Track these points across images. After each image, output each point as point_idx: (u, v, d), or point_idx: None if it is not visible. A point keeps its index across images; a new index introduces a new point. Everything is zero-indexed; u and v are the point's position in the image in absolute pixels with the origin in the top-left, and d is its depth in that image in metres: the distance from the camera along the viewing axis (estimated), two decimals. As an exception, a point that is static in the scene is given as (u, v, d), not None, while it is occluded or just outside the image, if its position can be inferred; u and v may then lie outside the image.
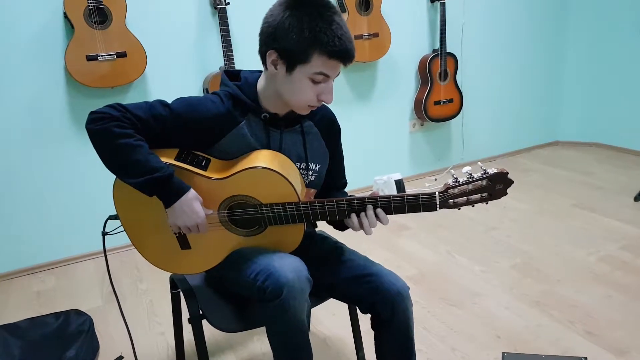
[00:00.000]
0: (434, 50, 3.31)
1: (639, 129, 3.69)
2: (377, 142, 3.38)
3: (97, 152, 1.18)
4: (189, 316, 1.36)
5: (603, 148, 3.95)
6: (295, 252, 1.28)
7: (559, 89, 4.02)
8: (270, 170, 1.20)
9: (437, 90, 3.31)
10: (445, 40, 3.20)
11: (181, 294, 1.47)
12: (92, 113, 1.17)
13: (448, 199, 1.18)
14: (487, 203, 1.20)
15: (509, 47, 3.69)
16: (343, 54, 1.16)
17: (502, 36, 3.64)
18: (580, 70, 3.93)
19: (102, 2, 2.32)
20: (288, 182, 1.21)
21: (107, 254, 1.36)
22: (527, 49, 3.77)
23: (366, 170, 3.32)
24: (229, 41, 2.58)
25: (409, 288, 1.30)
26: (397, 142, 3.46)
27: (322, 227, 1.55)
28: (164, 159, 1.20)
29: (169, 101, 1.24)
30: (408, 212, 1.21)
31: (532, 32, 3.75)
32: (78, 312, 2.03)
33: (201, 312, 1.37)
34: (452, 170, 1.21)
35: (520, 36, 3.71)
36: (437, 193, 1.18)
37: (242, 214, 1.26)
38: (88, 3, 2.30)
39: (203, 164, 1.24)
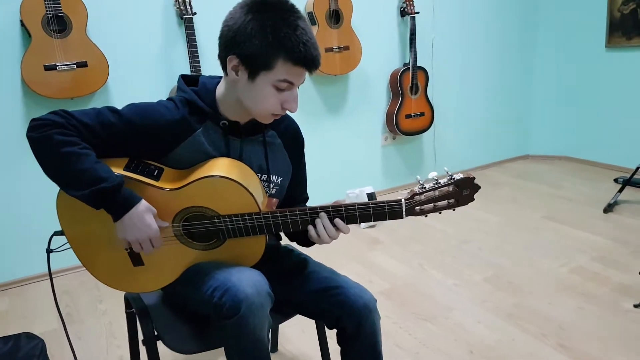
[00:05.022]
0: (404, 64, 3.32)
1: (607, 142, 3.77)
2: (349, 156, 3.34)
3: (38, 162, 1.09)
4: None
5: (572, 161, 4.01)
6: (257, 266, 1.21)
7: (528, 103, 4.08)
8: (227, 179, 1.13)
9: (409, 103, 3.30)
10: (415, 54, 3.21)
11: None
12: (33, 120, 1.09)
13: (414, 205, 1.14)
14: (454, 209, 1.16)
15: (479, 61, 3.73)
16: (308, 61, 1.11)
17: (472, 50, 3.68)
18: (548, 85, 4.00)
19: (61, 9, 2.24)
20: (247, 191, 1.14)
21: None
22: (497, 63, 3.82)
23: (338, 183, 3.27)
24: (196, 52, 2.52)
25: (376, 301, 1.24)
26: (369, 155, 3.44)
27: (288, 241, 1.49)
28: (112, 169, 1.12)
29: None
30: (374, 220, 1.16)
31: (502, 47, 3.81)
32: (29, 336, 1.89)
33: (156, 333, 1.28)
34: (419, 176, 1.16)
35: (490, 50, 3.76)
36: (403, 200, 1.14)
37: (198, 226, 1.18)
38: (47, 11, 2.22)
39: (155, 173, 1.16)
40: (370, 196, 3.01)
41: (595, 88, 3.74)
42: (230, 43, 1.12)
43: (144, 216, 1.11)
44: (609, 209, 3.00)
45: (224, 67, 1.16)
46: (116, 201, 1.09)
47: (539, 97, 4.06)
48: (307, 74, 1.16)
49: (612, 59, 3.60)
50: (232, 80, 1.16)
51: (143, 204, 1.12)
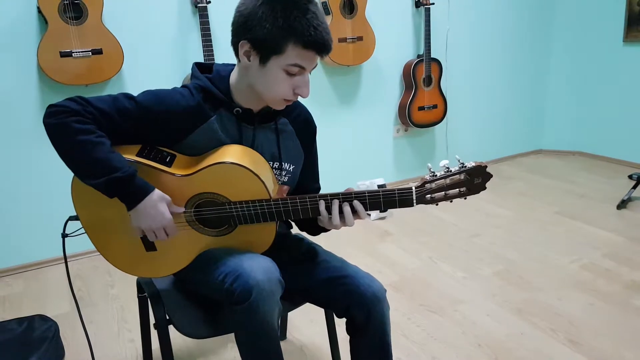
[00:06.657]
0: (418, 56, 3.29)
1: (621, 138, 3.71)
2: (361, 147, 3.33)
3: (55, 148, 1.11)
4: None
5: (586, 157, 3.96)
6: (267, 253, 1.22)
7: (542, 97, 4.03)
8: (239, 165, 1.14)
9: (421, 95, 3.28)
10: (429, 46, 3.18)
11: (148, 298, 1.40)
12: (50, 106, 1.10)
13: (425, 194, 1.13)
14: (465, 198, 1.15)
15: (493, 54, 3.68)
16: (319, 45, 1.11)
17: (487, 43, 3.63)
18: (563, 79, 3.94)
19: (77, -3, 2.26)
20: (258, 178, 1.15)
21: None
22: (511, 57, 3.77)
23: (349, 174, 3.27)
24: (210, 40, 2.52)
25: (385, 291, 1.25)
26: (380, 147, 3.42)
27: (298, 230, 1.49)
28: (125, 156, 1.13)
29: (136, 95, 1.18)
30: (384, 208, 1.16)
31: (517, 41, 3.76)
32: (43, 318, 1.93)
33: (168, 317, 1.30)
34: (429, 164, 1.16)
35: (505, 43, 3.71)
36: (413, 188, 1.13)
37: (210, 212, 1.19)
38: (63, -2, 2.23)
39: (167, 160, 1.17)
40: (381, 188, 3.00)
41: (611, 83, 3.68)
42: (242, 28, 1.12)
43: (157, 205, 1.12)
44: (622, 205, 2.96)
45: (237, 54, 1.17)
46: (130, 190, 1.10)
47: (554, 91, 4.01)
48: (318, 59, 1.16)
49: (630, 54, 3.53)
50: (244, 66, 1.16)
51: (156, 193, 1.13)
